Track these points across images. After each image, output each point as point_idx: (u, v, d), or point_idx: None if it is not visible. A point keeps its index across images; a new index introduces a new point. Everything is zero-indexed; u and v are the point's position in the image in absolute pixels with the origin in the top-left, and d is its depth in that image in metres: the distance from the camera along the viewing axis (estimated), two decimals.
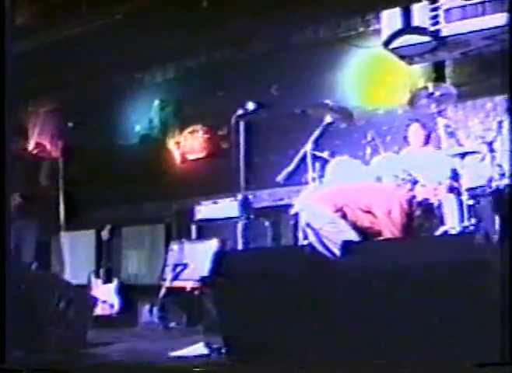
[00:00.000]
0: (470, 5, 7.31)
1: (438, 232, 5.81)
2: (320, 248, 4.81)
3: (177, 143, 9.89)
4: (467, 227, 5.68)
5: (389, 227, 5.33)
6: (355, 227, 5.28)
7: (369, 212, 5.45)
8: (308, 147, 6.43)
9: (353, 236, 5.11)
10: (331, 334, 4.22)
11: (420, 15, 7.64)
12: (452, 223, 5.77)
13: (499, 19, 6.96)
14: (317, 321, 4.29)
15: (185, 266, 7.79)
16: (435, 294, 4.05)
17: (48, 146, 11.09)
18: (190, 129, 9.84)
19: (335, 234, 5.04)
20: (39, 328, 5.63)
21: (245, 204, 7.45)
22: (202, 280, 6.96)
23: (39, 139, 11.33)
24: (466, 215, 5.72)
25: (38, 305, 5.70)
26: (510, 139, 5.83)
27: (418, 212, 5.94)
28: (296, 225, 6.06)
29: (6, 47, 5.60)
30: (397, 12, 7.78)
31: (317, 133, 6.50)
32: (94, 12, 9.62)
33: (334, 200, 5.47)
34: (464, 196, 5.81)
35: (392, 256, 4.40)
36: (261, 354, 4.51)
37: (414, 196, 5.97)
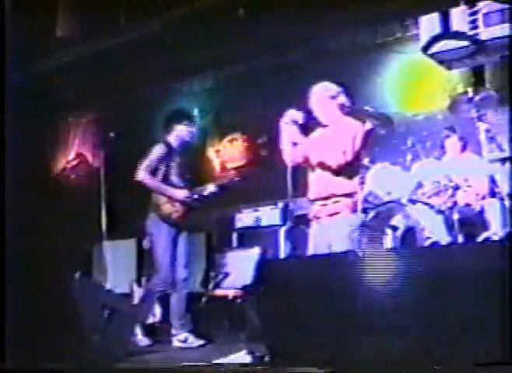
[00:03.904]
0: (508, 8, 7.27)
1: (480, 238, 5.79)
2: None
3: (217, 151, 9.94)
4: (509, 232, 5.64)
5: None
6: None
7: None
8: None
9: None
10: (377, 341, 4.20)
11: (459, 19, 7.60)
12: (495, 228, 5.74)
13: None
14: (363, 328, 4.28)
15: (227, 274, 7.80)
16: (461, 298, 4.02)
17: (89, 156, 11.20)
18: (229, 137, 9.88)
19: None
20: (82, 337, 5.67)
21: (286, 212, 7.46)
22: (244, 288, 6.97)
23: (79, 149, 11.45)
24: (510, 220, 5.68)
25: (82, 314, 5.74)
26: None
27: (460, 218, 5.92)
28: None
29: (6, 57, 5.66)
30: (435, 16, 7.75)
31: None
32: (132, 23, 9.71)
33: None
34: (506, 202, 5.78)
35: (435, 262, 4.37)
36: (304, 362, 4.51)
37: (456, 202, 5.95)
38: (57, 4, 9.62)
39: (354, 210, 5.50)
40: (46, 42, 9.56)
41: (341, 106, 5.77)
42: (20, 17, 6.09)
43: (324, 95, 5.76)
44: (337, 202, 5.55)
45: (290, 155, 5.64)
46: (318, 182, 5.67)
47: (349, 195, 5.54)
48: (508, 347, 3.62)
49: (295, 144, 5.66)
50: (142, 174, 6.98)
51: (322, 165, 5.57)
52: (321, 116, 5.75)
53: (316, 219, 5.71)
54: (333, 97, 5.75)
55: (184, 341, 6.90)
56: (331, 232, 5.51)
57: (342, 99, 5.77)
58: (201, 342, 6.90)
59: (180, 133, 7.26)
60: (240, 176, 7.54)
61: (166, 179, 7.07)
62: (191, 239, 7.35)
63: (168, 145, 7.15)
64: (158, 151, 7.08)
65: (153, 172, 7.02)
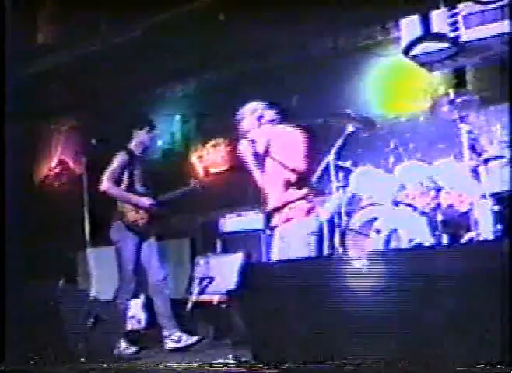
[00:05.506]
0: (488, 9, 7.29)
1: (464, 239, 5.80)
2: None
3: (200, 157, 9.92)
4: (494, 232, 5.66)
5: None
6: None
7: None
8: (331, 157, 6.40)
9: None
10: (362, 345, 4.20)
11: (439, 21, 7.61)
12: (480, 229, 5.75)
13: None
14: (347, 332, 4.28)
15: (211, 279, 7.79)
16: (455, 298, 4.02)
17: (71, 163, 11.16)
18: (212, 142, 9.87)
19: None
20: (67, 343, 5.64)
21: (269, 216, 7.44)
22: (229, 293, 6.96)
23: (62, 157, 11.40)
24: (493, 221, 5.69)
25: (66, 321, 5.71)
26: None
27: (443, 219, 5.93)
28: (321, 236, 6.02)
29: (7, 65, 5.64)
30: (416, 19, 7.76)
31: (339, 143, 6.48)
32: (113, 30, 9.69)
33: None
34: (490, 202, 5.79)
35: (419, 264, 4.37)
36: (289, 367, 4.50)
37: (439, 204, 5.96)
38: (36, 13, 9.62)
39: (308, 214, 5.51)
40: (26, 49, 9.53)
41: (271, 121, 5.79)
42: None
43: (251, 119, 5.80)
44: (291, 209, 5.57)
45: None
46: (272, 195, 5.72)
47: (301, 198, 5.55)
48: (508, 347, 3.62)
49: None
50: (105, 184, 6.97)
51: (276, 185, 5.62)
52: (259, 140, 5.77)
53: (276, 227, 5.74)
54: (260, 117, 5.79)
55: (178, 340, 6.86)
56: (289, 237, 5.54)
57: (270, 114, 5.80)
58: (195, 339, 6.87)
59: (140, 139, 7.27)
60: (202, 184, 7.59)
61: (130, 187, 7.06)
62: (162, 244, 7.36)
63: (130, 153, 7.14)
64: (119, 159, 7.07)
65: (117, 181, 7.01)
